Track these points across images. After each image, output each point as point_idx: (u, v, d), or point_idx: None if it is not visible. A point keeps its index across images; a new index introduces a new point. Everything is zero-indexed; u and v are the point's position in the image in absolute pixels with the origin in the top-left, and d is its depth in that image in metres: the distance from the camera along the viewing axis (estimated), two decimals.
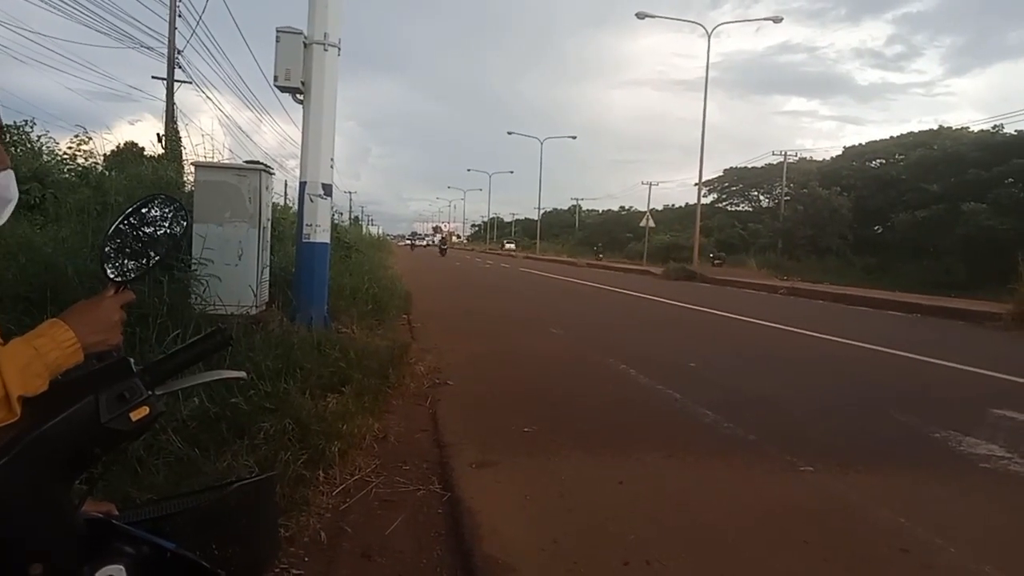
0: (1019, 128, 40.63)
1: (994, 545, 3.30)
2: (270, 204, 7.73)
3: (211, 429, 3.71)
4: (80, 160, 10.52)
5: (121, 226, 1.19)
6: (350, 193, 73.40)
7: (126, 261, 1.17)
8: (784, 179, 45.05)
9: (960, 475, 4.29)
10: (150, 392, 1.01)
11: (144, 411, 0.99)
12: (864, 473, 4.21)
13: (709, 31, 29.52)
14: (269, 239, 7.42)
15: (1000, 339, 11.53)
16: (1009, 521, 3.63)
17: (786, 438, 4.85)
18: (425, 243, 56.47)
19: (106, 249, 1.17)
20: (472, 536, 3.09)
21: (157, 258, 1.19)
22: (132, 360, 1.03)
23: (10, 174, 1.02)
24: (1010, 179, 31.29)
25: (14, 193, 1.02)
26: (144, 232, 1.21)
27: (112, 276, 1.13)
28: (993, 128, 38.75)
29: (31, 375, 0.95)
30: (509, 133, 62.37)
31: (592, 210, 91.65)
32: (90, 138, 11.03)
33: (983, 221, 28.15)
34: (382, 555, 2.94)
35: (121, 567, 0.99)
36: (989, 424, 5.39)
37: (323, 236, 7.05)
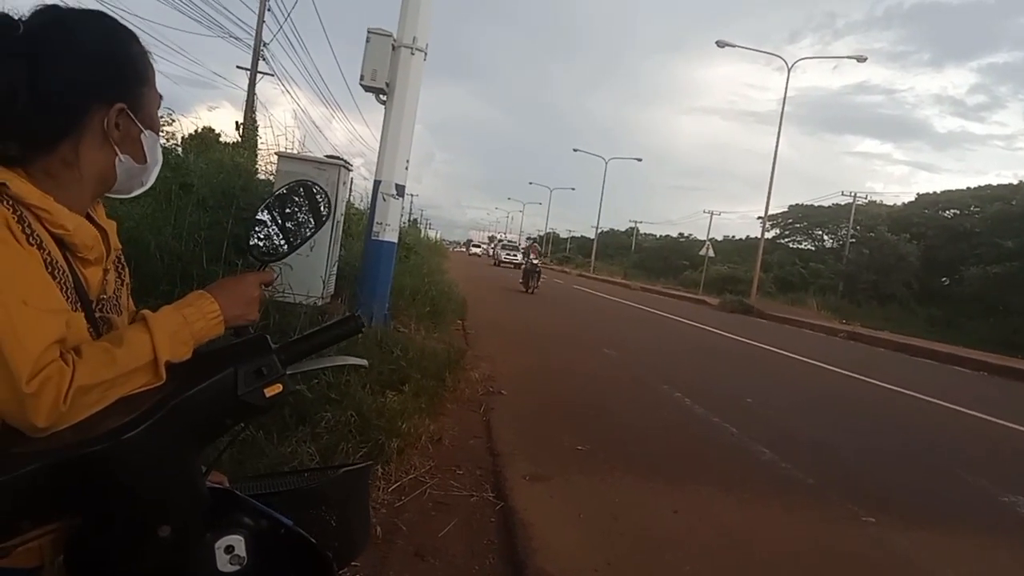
0: None
1: None
2: (345, 200, 7.87)
3: (275, 414, 3.78)
4: (161, 141, 10.82)
5: (267, 207, 1.23)
6: (412, 195, 74.27)
7: (267, 243, 1.20)
8: (851, 221, 43.96)
9: None
10: (284, 371, 1.03)
11: (277, 388, 1.02)
12: (928, 531, 4.06)
13: (789, 65, 28.92)
14: (340, 234, 7.55)
15: None
16: None
17: (846, 485, 4.72)
18: (520, 259, 36.54)
19: (252, 229, 1.21)
20: (525, 548, 3.09)
21: (297, 243, 1.23)
22: (269, 337, 1.06)
23: (158, 137, 1.06)
24: None
25: (159, 156, 1.07)
26: (287, 217, 1.25)
27: (254, 256, 1.17)
28: None
29: (179, 342, 0.98)
30: (575, 150, 62.55)
31: (649, 234, 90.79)
32: (174, 120, 11.36)
33: None
34: (435, 557, 2.95)
35: (240, 538, 1.01)
36: None
37: (391, 235, 7.15)
